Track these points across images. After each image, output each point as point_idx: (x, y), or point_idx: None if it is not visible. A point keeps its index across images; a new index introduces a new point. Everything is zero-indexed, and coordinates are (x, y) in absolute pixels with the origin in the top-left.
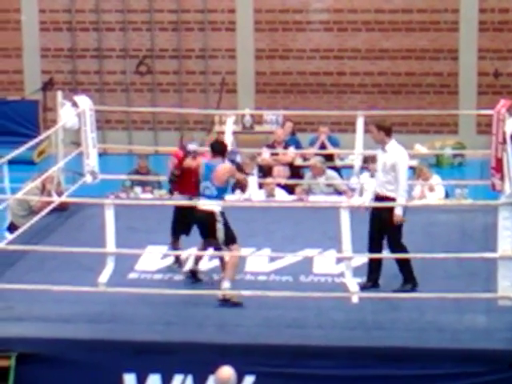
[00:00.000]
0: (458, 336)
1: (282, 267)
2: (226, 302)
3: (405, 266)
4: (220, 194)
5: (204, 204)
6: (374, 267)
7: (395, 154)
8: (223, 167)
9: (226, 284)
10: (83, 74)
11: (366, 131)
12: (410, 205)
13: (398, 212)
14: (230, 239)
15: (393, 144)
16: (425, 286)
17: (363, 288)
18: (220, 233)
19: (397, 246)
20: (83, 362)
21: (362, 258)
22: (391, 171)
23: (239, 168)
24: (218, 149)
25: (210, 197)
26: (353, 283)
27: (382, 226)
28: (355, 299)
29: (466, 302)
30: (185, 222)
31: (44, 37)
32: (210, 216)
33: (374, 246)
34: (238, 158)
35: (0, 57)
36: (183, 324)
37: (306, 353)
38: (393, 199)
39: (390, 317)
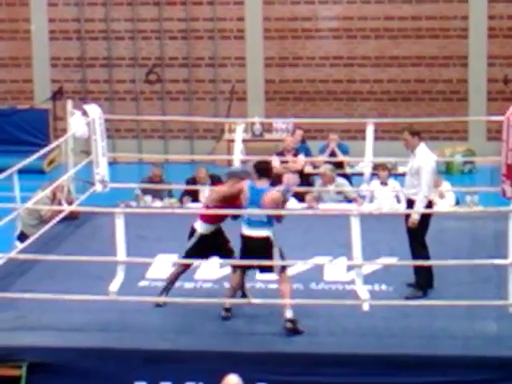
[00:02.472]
0: (469, 343)
1: (292, 275)
2: (293, 331)
3: (421, 272)
4: (270, 218)
5: (256, 231)
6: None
7: (422, 158)
8: (271, 197)
9: (288, 313)
10: (93, 83)
11: (377, 138)
12: (420, 211)
13: (414, 216)
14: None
15: (422, 148)
16: (436, 292)
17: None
18: (276, 257)
19: (416, 251)
20: (94, 371)
21: (373, 266)
22: (417, 175)
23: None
24: (265, 171)
25: (260, 223)
26: (363, 290)
27: (407, 230)
28: (366, 307)
29: (478, 308)
30: (209, 248)
31: (53, 46)
32: (265, 242)
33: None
34: (290, 196)
35: (10, 66)
36: (194, 332)
37: (318, 361)
38: (415, 202)
39: (401, 324)
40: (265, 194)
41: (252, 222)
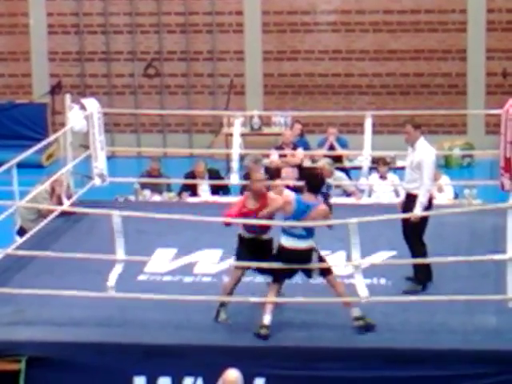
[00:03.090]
0: (468, 337)
1: None
2: (364, 328)
3: (419, 266)
4: (310, 231)
5: (298, 243)
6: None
7: (422, 151)
8: (321, 212)
9: (356, 311)
10: (91, 77)
11: (376, 132)
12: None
13: (417, 211)
14: (327, 269)
15: (422, 142)
16: (435, 287)
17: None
18: (316, 262)
19: (414, 245)
20: (93, 366)
21: (371, 260)
22: (417, 169)
23: (329, 204)
24: (316, 187)
25: (300, 236)
26: (362, 286)
27: (405, 223)
28: (365, 301)
29: (476, 303)
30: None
31: (52, 40)
32: (308, 253)
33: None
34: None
35: (8, 60)
36: (193, 327)
37: (316, 355)
38: (416, 196)
39: (400, 318)
40: (313, 210)
41: (294, 234)
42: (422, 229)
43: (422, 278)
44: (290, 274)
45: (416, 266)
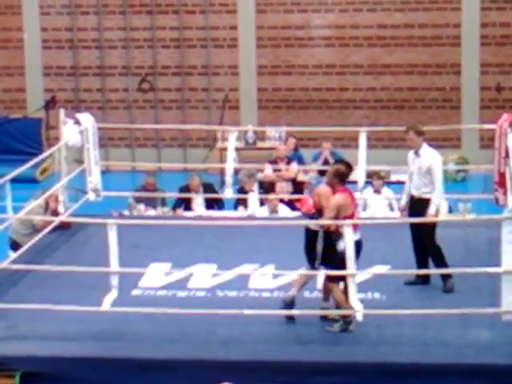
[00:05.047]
0: (462, 351)
1: (286, 283)
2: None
3: (440, 265)
4: None
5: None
6: (423, 266)
7: (430, 157)
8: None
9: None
10: (85, 92)
11: (370, 146)
12: (412, 221)
13: (432, 211)
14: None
15: (426, 148)
16: (429, 301)
17: (411, 284)
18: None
19: (432, 246)
20: (88, 380)
21: (365, 274)
22: (427, 174)
23: None
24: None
25: None
26: (356, 300)
27: (418, 227)
28: (359, 317)
29: (470, 316)
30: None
31: (46, 55)
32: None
33: (417, 246)
34: None
35: (2, 75)
36: (187, 341)
37: (311, 369)
38: (429, 200)
39: (394, 332)
40: None
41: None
42: (435, 231)
43: (448, 274)
44: None
45: (438, 265)
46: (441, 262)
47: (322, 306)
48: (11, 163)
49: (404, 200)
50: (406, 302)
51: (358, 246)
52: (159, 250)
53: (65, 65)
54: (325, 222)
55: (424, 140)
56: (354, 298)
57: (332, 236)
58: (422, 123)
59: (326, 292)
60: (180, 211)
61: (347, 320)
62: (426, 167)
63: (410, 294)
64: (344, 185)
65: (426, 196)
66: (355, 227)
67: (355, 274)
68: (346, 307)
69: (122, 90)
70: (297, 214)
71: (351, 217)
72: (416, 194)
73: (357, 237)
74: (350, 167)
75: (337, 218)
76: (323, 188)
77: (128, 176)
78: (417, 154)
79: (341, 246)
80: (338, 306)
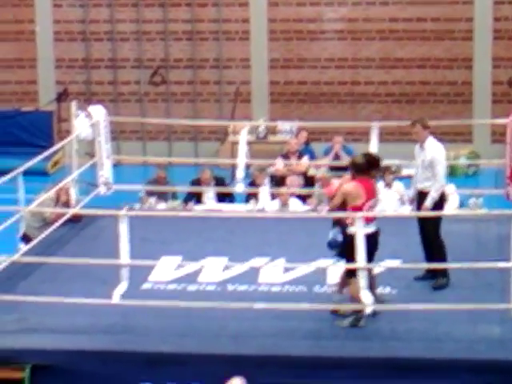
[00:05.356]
0: (472, 346)
1: (296, 277)
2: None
3: (439, 261)
4: None
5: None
6: (431, 260)
7: (433, 150)
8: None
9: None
10: (97, 85)
11: (382, 141)
12: (422, 214)
13: (428, 204)
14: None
15: (431, 141)
16: (439, 296)
17: (421, 279)
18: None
19: (434, 240)
20: (97, 374)
21: (377, 268)
22: (429, 167)
23: None
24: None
25: None
26: (367, 294)
27: (421, 221)
28: (369, 310)
29: (481, 312)
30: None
31: (58, 47)
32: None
33: (423, 240)
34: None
35: (14, 67)
36: (197, 335)
37: (321, 364)
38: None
39: (405, 327)
40: None
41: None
42: (438, 225)
43: (444, 272)
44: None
45: (436, 260)
46: (440, 258)
47: (334, 299)
48: (23, 156)
49: (412, 192)
50: (417, 297)
51: (374, 237)
52: (170, 244)
53: (77, 57)
54: (333, 214)
55: (430, 133)
56: (365, 291)
57: (341, 224)
58: (433, 117)
59: (342, 285)
60: (191, 205)
61: (358, 316)
62: (428, 160)
63: (420, 288)
64: (363, 175)
65: (428, 189)
66: (369, 219)
67: (365, 267)
68: (359, 302)
69: (134, 83)
70: (307, 207)
71: (361, 207)
72: (419, 187)
73: (372, 229)
74: (370, 160)
75: (344, 206)
76: (346, 177)
77: (139, 169)
78: (422, 147)
79: (351, 230)
80: (352, 301)
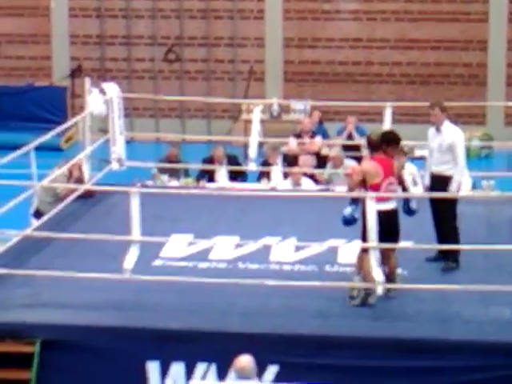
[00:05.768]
0: (483, 328)
1: (307, 257)
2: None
3: (452, 244)
4: None
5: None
6: (443, 242)
7: (452, 134)
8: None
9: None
10: (111, 61)
11: (395, 121)
12: (434, 196)
13: (453, 188)
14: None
15: (448, 125)
16: (450, 277)
17: (432, 260)
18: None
19: (449, 224)
20: (107, 349)
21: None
22: (448, 151)
23: None
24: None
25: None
26: (378, 273)
27: (438, 204)
28: (380, 290)
29: (492, 294)
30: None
31: (73, 23)
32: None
33: (437, 223)
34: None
35: (29, 43)
36: (207, 312)
37: (331, 343)
38: (450, 177)
39: (415, 308)
40: None
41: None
42: (454, 208)
43: (455, 256)
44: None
45: (449, 243)
46: (453, 241)
47: (354, 280)
48: (36, 131)
49: (427, 179)
50: (428, 278)
51: (394, 214)
52: (181, 221)
53: (91, 33)
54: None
55: (447, 117)
56: (377, 269)
57: (359, 201)
58: (447, 99)
59: (359, 264)
60: (203, 182)
61: (367, 291)
62: (447, 144)
63: (431, 270)
64: (379, 153)
65: (446, 173)
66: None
67: (376, 246)
68: (371, 280)
69: (148, 60)
70: (319, 187)
71: (378, 185)
72: (436, 170)
73: (391, 206)
74: (385, 137)
75: (363, 183)
76: (367, 157)
77: (152, 146)
78: (438, 130)
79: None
80: (365, 279)
